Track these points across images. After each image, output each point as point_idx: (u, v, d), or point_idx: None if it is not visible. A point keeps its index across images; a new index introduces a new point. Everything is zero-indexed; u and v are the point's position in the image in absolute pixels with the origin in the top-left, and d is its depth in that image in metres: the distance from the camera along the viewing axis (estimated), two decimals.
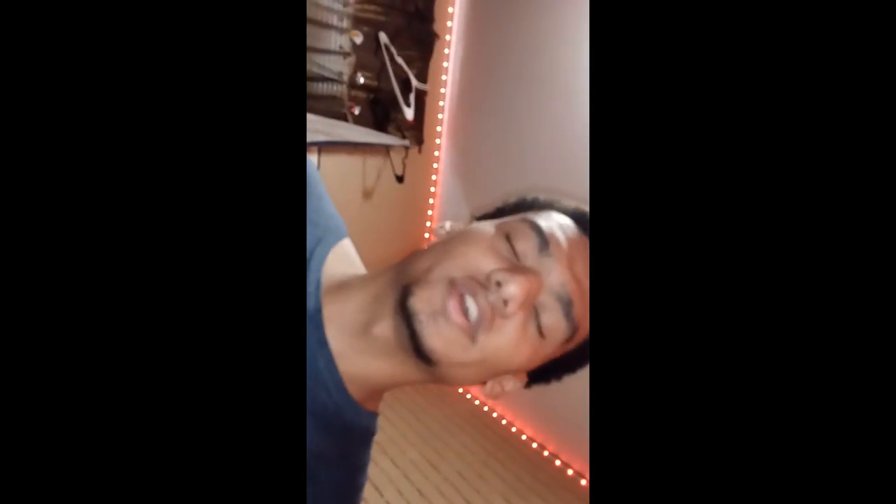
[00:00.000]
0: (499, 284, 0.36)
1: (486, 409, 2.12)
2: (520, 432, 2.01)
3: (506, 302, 0.36)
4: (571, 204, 0.44)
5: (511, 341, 0.37)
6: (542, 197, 0.45)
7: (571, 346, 0.40)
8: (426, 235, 2.39)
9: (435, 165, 2.32)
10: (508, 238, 0.39)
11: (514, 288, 0.36)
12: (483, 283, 0.36)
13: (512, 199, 0.46)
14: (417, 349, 0.36)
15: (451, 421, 2.02)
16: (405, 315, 0.36)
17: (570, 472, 1.84)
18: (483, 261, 0.38)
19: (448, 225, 0.45)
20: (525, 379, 0.43)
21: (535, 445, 1.95)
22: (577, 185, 1.73)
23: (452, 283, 0.36)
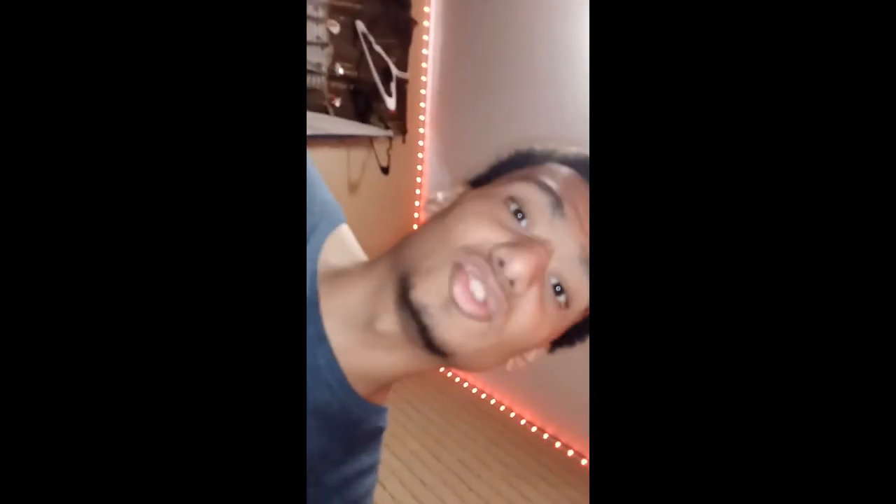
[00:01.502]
0: (501, 263, 0.33)
1: (483, 396, 2.13)
2: (519, 417, 2.03)
3: (512, 282, 0.33)
4: (572, 150, 0.40)
5: (530, 320, 0.34)
6: (538, 147, 0.41)
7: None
8: (415, 227, 2.37)
9: (420, 155, 2.29)
10: (514, 201, 0.35)
11: (518, 266, 0.32)
12: (486, 261, 0.33)
13: (505, 155, 0.42)
14: (430, 344, 0.33)
15: (449, 410, 2.02)
16: (411, 310, 0.33)
17: (570, 452, 1.86)
18: (485, 234, 0.34)
19: (440, 196, 0.41)
20: (548, 346, 0.40)
21: (534, 429, 1.96)
22: None
23: (457, 267, 0.33)
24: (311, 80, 1.85)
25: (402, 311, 0.34)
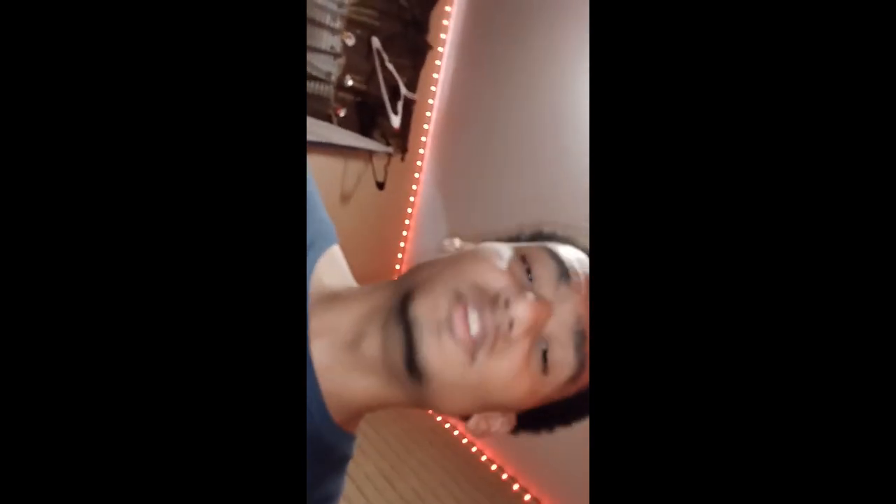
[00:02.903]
0: (507, 304, 0.33)
1: (447, 426, 2.09)
2: (479, 452, 1.98)
3: (511, 324, 0.33)
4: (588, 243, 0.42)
5: (512, 369, 0.34)
6: (560, 232, 0.43)
7: (573, 389, 0.37)
8: (402, 245, 2.36)
9: (417, 175, 2.30)
10: (525, 261, 0.37)
11: (522, 309, 0.33)
12: (491, 300, 0.34)
13: (528, 230, 0.44)
14: (410, 361, 0.33)
15: (409, 436, 1.97)
16: (405, 321, 0.33)
17: (527, 497, 1.82)
18: (495, 278, 0.35)
19: (458, 242, 0.42)
20: (514, 423, 0.40)
21: (493, 467, 1.92)
22: (559, 205, 1.73)
23: (459, 295, 0.33)
24: (319, 88, 1.86)
25: (393, 328, 0.34)
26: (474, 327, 0.33)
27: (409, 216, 2.34)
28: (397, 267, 2.37)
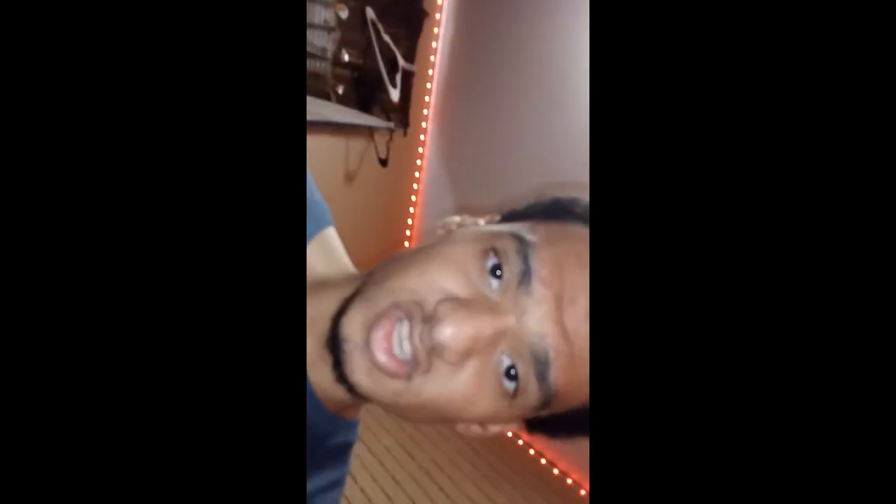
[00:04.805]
0: (439, 321, 0.28)
1: None
2: None
3: (442, 347, 0.28)
4: None
5: (456, 392, 0.29)
6: (581, 202, 0.34)
7: (561, 410, 0.31)
8: (409, 221, 2.36)
9: (420, 150, 2.27)
10: (495, 255, 0.30)
11: (449, 331, 0.27)
12: (427, 315, 0.29)
13: (543, 200, 0.36)
14: (342, 379, 0.31)
15: None
16: (335, 338, 0.30)
17: (543, 461, 1.86)
18: (442, 282, 0.30)
19: (457, 220, 0.37)
20: (518, 426, 0.35)
21: (509, 434, 1.96)
22: (566, 175, 1.71)
23: (393, 307, 0.29)
24: (315, 65, 1.82)
25: (326, 343, 0.31)
26: (404, 346, 0.29)
27: (416, 192, 2.33)
28: (406, 244, 2.37)
